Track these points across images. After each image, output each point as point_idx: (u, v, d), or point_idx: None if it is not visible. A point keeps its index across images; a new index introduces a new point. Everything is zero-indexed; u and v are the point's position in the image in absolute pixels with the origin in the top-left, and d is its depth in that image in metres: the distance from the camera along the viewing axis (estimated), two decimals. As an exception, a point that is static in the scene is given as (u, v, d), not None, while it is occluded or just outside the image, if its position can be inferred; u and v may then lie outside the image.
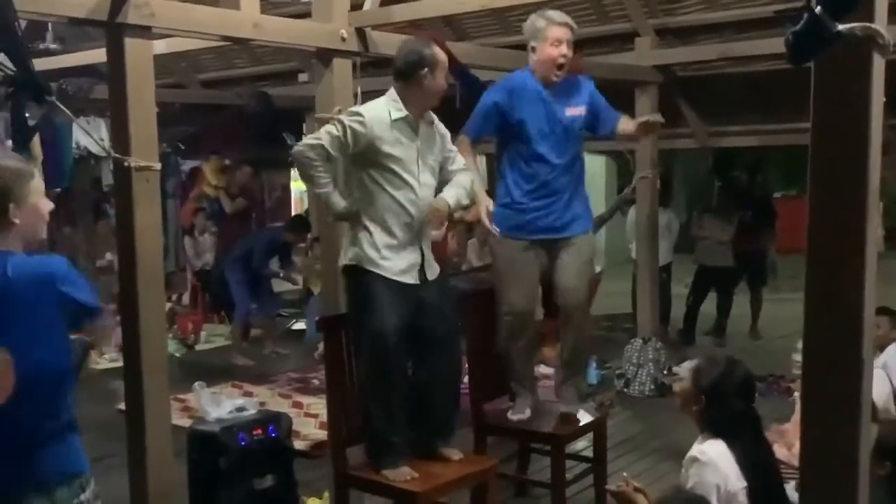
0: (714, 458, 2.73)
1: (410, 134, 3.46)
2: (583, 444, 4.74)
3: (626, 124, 4.08)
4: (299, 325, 8.85)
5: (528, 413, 4.14)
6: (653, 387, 6.48)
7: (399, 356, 3.45)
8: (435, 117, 3.58)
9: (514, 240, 4.03)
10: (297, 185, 12.14)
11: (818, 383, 1.72)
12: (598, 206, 9.21)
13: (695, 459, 2.77)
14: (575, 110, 3.97)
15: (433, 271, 3.57)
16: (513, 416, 4.16)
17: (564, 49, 3.84)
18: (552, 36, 3.84)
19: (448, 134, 3.65)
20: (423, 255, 3.53)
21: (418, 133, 3.49)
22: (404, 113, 3.45)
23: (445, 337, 3.55)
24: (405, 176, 3.44)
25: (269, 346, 8.12)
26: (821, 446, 1.71)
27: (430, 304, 3.50)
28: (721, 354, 3.40)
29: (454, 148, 3.64)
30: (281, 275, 8.11)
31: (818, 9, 1.52)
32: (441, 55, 3.46)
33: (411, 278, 3.47)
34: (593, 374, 6.52)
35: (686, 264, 9.08)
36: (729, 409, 2.83)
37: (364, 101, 4.26)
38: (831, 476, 1.70)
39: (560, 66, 3.87)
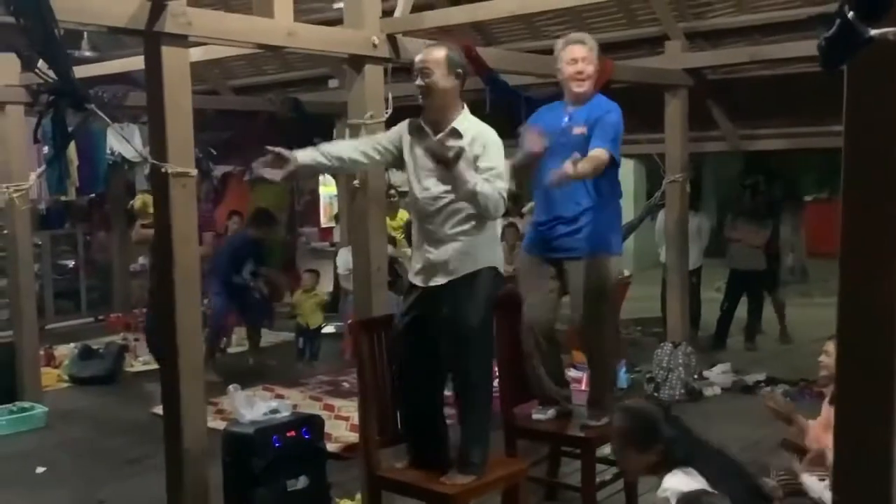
0: (675, 485, 2.71)
1: (418, 140, 3.50)
2: (613, 448, 4.74)
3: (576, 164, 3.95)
4: (328, 329, 8.90)
5: (550, 413, 4.18)
6: (683, 391, 6.46)
7: (406, 356, 3.54)
8: (463, 125, 3.42)
9: (531, 254, 4.21)
10: (326, 190, 12.22)
11: (851, 386, 1.72)
12: (628, 210, 9.21)
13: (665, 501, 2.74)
14: (579, 129, 4.01)
15: (439, 277, 3.45)
16: (536, 416, 4.21)
17: (580, 66, 4.01)
18: (567, 56, 4.04)
19: (479, 139, 3.43)
20: (428, 260, 3.49)
21: (424, 139, 3.46)
22: (418, 121, 3.53)
23: (445, 350, 3.48)
24: (410, 180, 3.55)
25: (253, 355, 7.91)
26: (854, 448, 1.71)
27: (431, 311, 3.47)
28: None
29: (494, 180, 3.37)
30: (251, 284, 7.67)
31: (851, 14, 1.53)
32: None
33: (420, 281, 3.53)
34: (623, 378, 6.50)
35: (717, 268, 9.04)
36: (669, 440, 2.82)
37: (395, 106, 4.31)
38: (865, 478, 1.70)
39: (579, 81, 4.00)
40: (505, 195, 3.33)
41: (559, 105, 4.18)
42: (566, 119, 4.07)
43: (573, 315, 4.17)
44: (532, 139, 3.69)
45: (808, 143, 7.45)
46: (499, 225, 3.60)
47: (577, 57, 4.01)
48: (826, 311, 1.69)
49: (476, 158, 3.33)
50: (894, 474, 1.68)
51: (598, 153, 3.87)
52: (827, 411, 3.61)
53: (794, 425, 3.66)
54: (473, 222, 3.40)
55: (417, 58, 3.46)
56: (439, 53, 3.40)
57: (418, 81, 3.41)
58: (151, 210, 5.67)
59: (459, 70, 3.42)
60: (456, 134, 3.36)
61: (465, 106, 3.48)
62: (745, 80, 7.12)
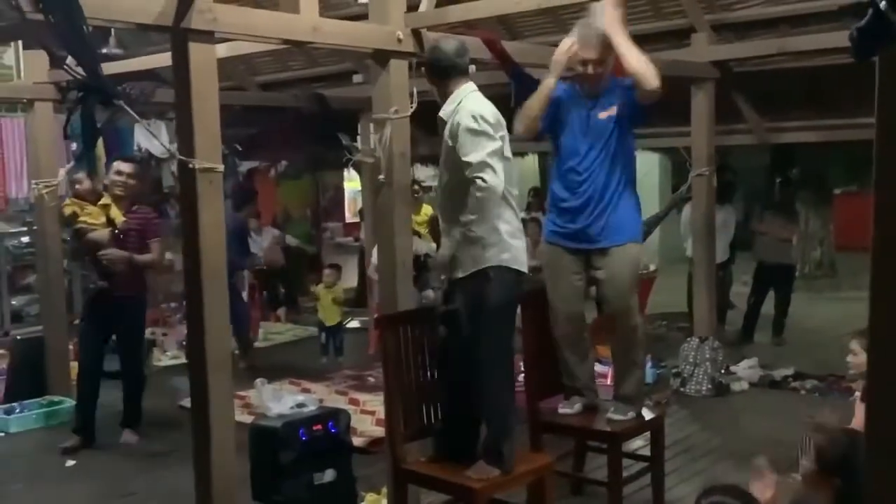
0: None
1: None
2: (639, 443, 4.73)
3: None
4: (353, 324, 8.93)
5: (577, 408, 4.18)
6: (710, 386, 6.43)
7: (441, 347, 3.64)
8: (449, 119, 3.52)
9: (554, 245, 4.20)
10: (350, 185, 12.26)
11: (883, 383, 1.70)
12: (652, 204, 9.17)
13: None
14: (606, 113, 4.03)
15: (460, 270, 3.51)
16: (562, 410, 4.22)
17: (590, 68, 4.04)
18: (578, 56, 4.06)
19: (453, 131, 3.49)
20: (450, 252, 3.55)
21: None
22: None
23: (450, 346, 3.59)
24: None
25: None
26: (885, 451, 1.69)
27: (452, 306, 3.56)
28: (834, 426, 3.22)
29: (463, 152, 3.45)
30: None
31: (883, 4, 1.51)
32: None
33: (445, 272, 3.65)
34: (650, 373, 6.47)
35: (744, 262, 8.97)
36: (851, 482, 2.61)
37: (420, 101, 4.32)
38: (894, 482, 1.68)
39: (584, 65, 4.05)
40: (487, 179, 3.31)
41: (573, 95, 4.18)
42: (588, 106, 4.10)
43: (606, 308, 4.16)
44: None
45: (837, 136, 7.36)
46: (508, 222, 3.53)
47: (588, 59, 4.03)
48: (855, 305, 1.68)
49: (454, 148, 3.43)
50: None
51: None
52: (860, 410, 3.56)
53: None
54: (473, 216, 3.39)
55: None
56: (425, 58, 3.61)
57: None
58: (84, 218, 5.44)
59: (424, 67, 3.62)
60: (441, 122, 3.54)
61: (462, 85, 3.55)
62: (773, 72, 7.04)
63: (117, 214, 5.46)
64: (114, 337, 5.74)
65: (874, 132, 1.65)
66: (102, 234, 5.44)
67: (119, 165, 5.62)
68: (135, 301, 5.65)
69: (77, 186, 5.73)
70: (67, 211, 5.52)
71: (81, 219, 5.48)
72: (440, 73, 3.60)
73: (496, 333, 3.45)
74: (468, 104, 3.47)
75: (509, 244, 3.47)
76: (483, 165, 3.32)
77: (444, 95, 3.59)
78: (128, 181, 5.54)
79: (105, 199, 5.48)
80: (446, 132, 3.50)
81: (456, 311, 3.51)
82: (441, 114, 3.55)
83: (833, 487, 2.70)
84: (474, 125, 3.38)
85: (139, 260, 5.53)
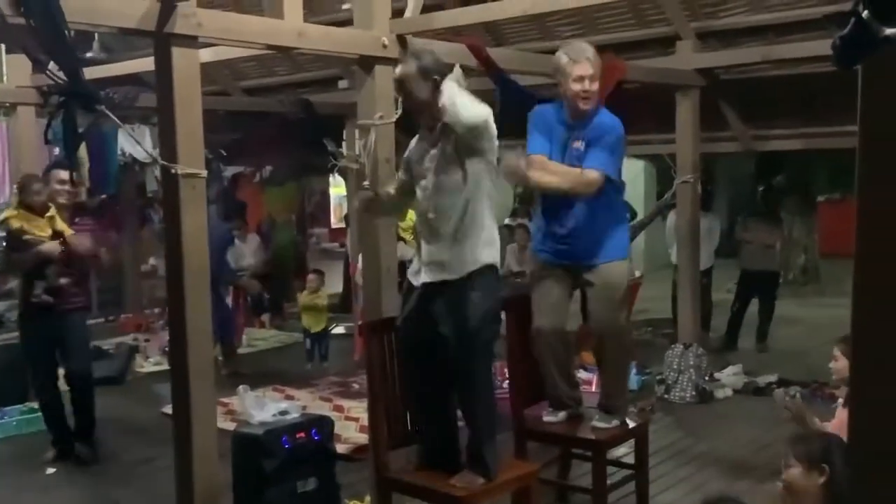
0: None
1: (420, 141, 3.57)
2: (624, 450, 4.72)
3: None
4: (339, 330, 8.91)
5: (561, 416, 4.16)
6: (694, 393, 6.44)
7: (408, 355, 3.55)
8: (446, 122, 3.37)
9: (542, 260, 4.17)
10: (336, 191, 12.25)
11: (866, 391, 1.70)
12: (637, 210, 9.18)
13: None
14: (578, 143, 3.99)
15: (434, 275, 3.45)
16: (546, 418, 4.20)
17: (587, 84, 3.94)
18: (574, 73, 3.94)
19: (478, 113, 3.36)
20: (429, 257, 3.49)
21: (426, 140, 3.53)
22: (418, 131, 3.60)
23: (444, 350, 3.46)
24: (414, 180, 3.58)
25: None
26: (869, 455, 1.69)
27: (425, 312, 3.48)
28: (812, 429, 3.28)
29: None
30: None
31: (865, 13, 1.51)
32: None
33: (423, 278, 3.51)
34: (634, 380, 6.48)
35: (727, 269, 9.01)
36: (838, 473, 2.71)
37: (404, 107, 4.30)
38: (879, 485, 1.68)
39: (585, 99, 3.96)
40: (474, 117, 3.25)
41: (558, 112, 4.08)
42: (565, 131, 4.02)
43: (592, 324, 4.14)
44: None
45: (821, 144, 7.40)
46: (494, 224, 3.54)
47: (584, 75, 3.92)
48: (839, 311, 1.68)
49: (471, 141, 3.34)
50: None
51: (588, 175, 3.90)
52: (841, 414, 3.59)
53: (808, 428, 3.64)
54: (470, 221, 3.38)
55: (394, 75, 3.52)
56: (409, 68, 3.41)
57: (400, 98, 3.49)
58: (31, 231, 5.07)
59: (436, 77, 3.35)
60: (447, 130, 3.35)
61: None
62: (758, 79, 7.08)
63: (64, 227, 5.22)
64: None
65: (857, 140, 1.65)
66: (52, 246, 5.14)
67: (59, 174, 5.34)
68: (79, 311, 5.42)
69: (57, 186, 5.27)
70: (15, 224, 5.14)
71: (28, 231, 5.15)
72: (443, 77, 3.39)
73: (487, 337, 3.44)
74: (476, 106, 3.34)
75: (496, 245, 3.48)
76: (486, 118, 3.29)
77: (430, 102, 3.38)
78: (72, 189, 5.37)
79: (51, 211, 5.18)
80: (451, 137, 3.36)
81: (431, 318, 3.47)
82: (447, 119, 3.30)
83: (823, 474, 2.73)
84: (490, 117, 3.32)
85: (74, 241, 5.22)
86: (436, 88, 3.32)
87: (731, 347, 8.09)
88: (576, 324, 4.37)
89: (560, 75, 3.99)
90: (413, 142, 3.63)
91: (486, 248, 3.44)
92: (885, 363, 1.65)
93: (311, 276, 8.01)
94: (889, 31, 1.53)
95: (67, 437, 5.43)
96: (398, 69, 3.48)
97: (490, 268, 3.43)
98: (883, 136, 1.62)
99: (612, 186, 4.07)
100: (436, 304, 3.45)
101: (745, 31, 6.61)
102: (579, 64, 3.93)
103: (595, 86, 3.97)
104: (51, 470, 5.21)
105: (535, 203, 4.33)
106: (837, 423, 3.56)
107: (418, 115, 3.50)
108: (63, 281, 5.17)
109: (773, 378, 6.83)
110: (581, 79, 3.92)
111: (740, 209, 9.58)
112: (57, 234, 5.17)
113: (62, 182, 5.30)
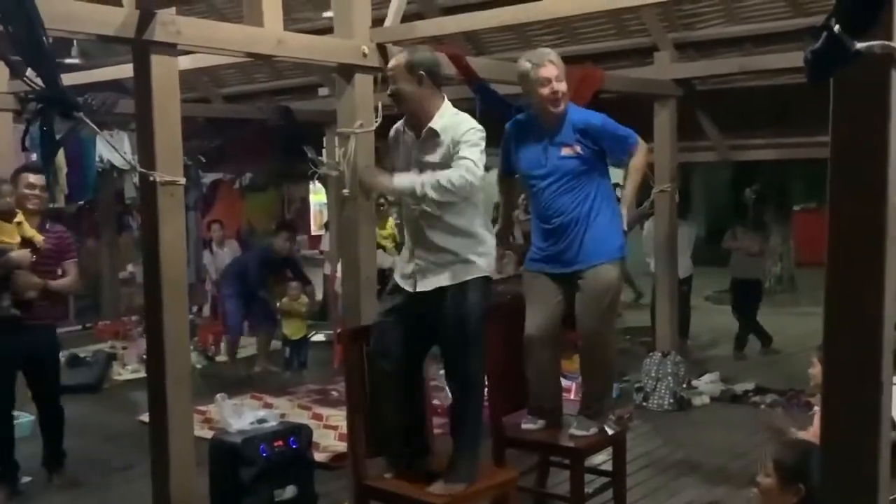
0: None
1: (402, 142, 3.57)
2: (602, 458, 4.74)
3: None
4: (319, 337, 8.88)
5: (540, 423, 4.17)
6: (671, 400, 6.47)
7: (389, 359, 3.50)
8: (438, 124, 3.40)
9: (534, 270, 4.18)
10: (316, 198, 12.21)
11: (838, 398, 1.73)
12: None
13: None
14: (568, 149, 4.00)
15: (427, 283, 3.45)
16: (525, 425, 4.19)
17: (554, 85, 3.92)
18: (540, 76, 3.92)
19: (461, 137, 3.37)
20: (417, 265, 3.48)
21: (405, 141, 3.54)
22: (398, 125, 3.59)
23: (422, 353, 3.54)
24: None
25: (261, 362, 8.02)
26: (841, 461, 1.71)
27: (419, 317, 3.48)
28: (790, 437, 3.27)
29: (462, 152, 3.36)
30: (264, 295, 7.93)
31: (837, 27, 1.54)
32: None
33: (408, 286, 3.50)
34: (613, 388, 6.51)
35: (706, 277, 9.07)
36: (813, 485, 2.67)
37: (384, 115, 4.31)
38: (851, 491, 1.70)
39: (555, 102, 3.95)
40: (468, 176, 3.25)
41: (531, 122, 4.08)
42: (547, 142, 4.02)
43: (577, 326, 4.14)
44: None
45: (797, 154, 7.49)
46: (488, 230, 3.54)
47: (549, 76, 3.90)
48: (814, 320, 1.70)
49: (454, 156, 3.34)
50: (881, 484, 1.69)
51: (637, 163, 4.12)
52: (819, 421, 3.62)
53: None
54: (459, 229, 3.39)
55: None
56: (399, 60, 3.43)
57: (388, 90, 3.47)
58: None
59: (422, 72, 3.37)
60: (434, 135, 3.37)
61: (445, 99, 3.46)
62: (734, 90, 7.15)
63: (34, 233, 4.84)
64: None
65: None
66: (23, 254, 4.76)
67: (29, 177, 4.94)
68: (49, 329, 5.06)
69: (25, 190, 4.87)
70: None
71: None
72: (439, 81, 3.47)
73: (480, 341, 3.45)
74: (466, 118, 3.40)
75: (490, 254, 3.49)
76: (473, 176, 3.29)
77: (430, 107, 3.40)
78: (41, 194, 4.97)
79: (19, 217, 4.79)
80: (442, 143, 3.37)
81: (416, 324, 3.48)
82: (435, 126, 3.38)
83: (797, 495, 2.73)
84: (480, 140, 3.34)
85: (57, 286, 4.97)
86: (420, 84, 3.37)
87: (740, 355, 8.18)
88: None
89: (525, 82, 3.98)
90: (395, 140, 3.59)
91: (478, 257, 3.42)
92: (856, 371, 1.67)
93: (292, 284, 8.00)
94: (860, 45, 1.56)
95: (13, 473, 4.97)
96: (393, 59, 3.50)
97: (482, 279, 3.42)
98: (853, 147, 1.65)
99: (606, 182, 4.11)
100: (429, 311, 3.43)
101: (721, 42, 6.69)
102: (543, 67, 3.92)
103: (562, 86, 3.94)
104: (25, 479, 5.15)
105: (532, 221, 4.33)
106: (816, 431, 3.59)
107: (406, 113, 3.49)
108: (32, 294, 4.81)
109: (750, 386, 6.88)
110: (547, 81, 3.91)
111: (728, 219, 9.65)
112: (26, 242, 4.80)
113: (31, 186, 4.92)
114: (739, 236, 8.31)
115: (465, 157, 3.28)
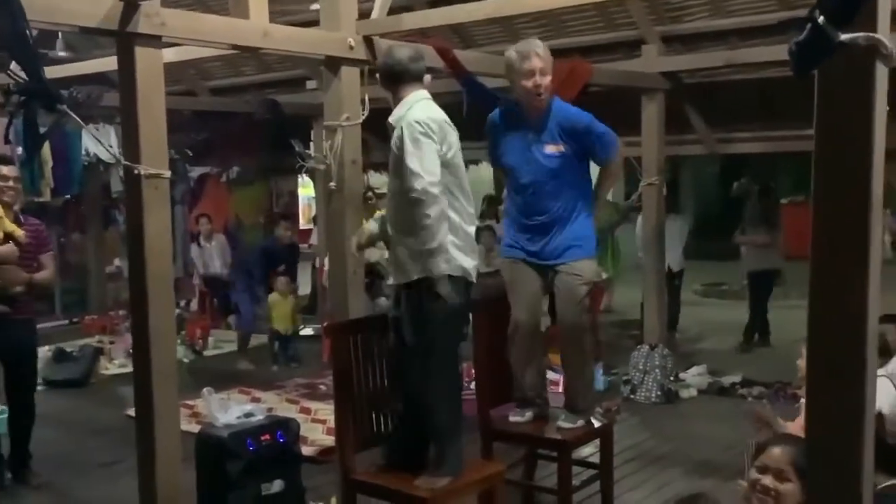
0: None
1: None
2: (589, 451, 4.75)
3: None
4: (307, 331, 8.86)
5: (528, 416, 4.17)
6: (659, 393, 6.49)
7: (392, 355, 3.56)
8: (397, 125, 3.44)
9: (513, 258, 4.17)
10: (304, 192, 12.19)
11: (822, 391, 1.73)
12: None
13: None
14: (553, 147, 3.99)
15: (397, 277, 3.50)
16: (513, 418, 4.20)
17: (538, 78, 3.91)
18: (525, 68, 3.91)
19: (399, 137, 3.42)
20: (394, 257, 3.55)
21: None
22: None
23: (403, 350, 3.54)
24: None
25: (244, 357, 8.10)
26: (825, 454, 1.72)
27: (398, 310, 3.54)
28: (775, 431, 3.30)
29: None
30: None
31: (821, 19, 1.54)
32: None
33: (392, 279, 3.58)
34: (600, 381, 6.52)
35: (695, 271, 9.08)
36: None
37: (371, 107, 4.30)
38: (835, 484, 1.71)
39: (539, 94, 3.94)
40: (425, 189, 3.26)
41: (516, 113, 4.07)
42: (532, 137, 4.01)
43: (557, 320, 4.17)
44: None
45: (784, 147, 7.51)
46: (454, 232, 3.46)
47: (534, 68, 3.89)
48: (802, 312, 1.70)
49: (400, 155, 3.36)
50: (865, 477, 1.69)
51: (615, 166, 4.21)
52: (804, 413, 3.62)
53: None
54: (417, 224, 3.33)
55: None
56: (378, 62, 3.60)
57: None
58: None
59: (377, 72, 3.52)
60: (390, 127, 3.45)
61: (414, 91, 3.48)
62: (722, 83, 7.16)
63: (14, 228, 4.74)
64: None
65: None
66: (9, 249, 4.70)
67: (2, 169, 4.78)
68: (28, 324, 4.99)
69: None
70: None
71: None
72: (392, 78, 3.51)
73: (439, 342, 3.43)
74: (415, 111, 3.40)
75: (453, 254, 3.40)
76: (421, 174, 3.27)
77: (397, 102, 3.52)
78: (15, 185, 4.83)
79: None
80: (394, 138, 3.44)
81: (401, 318, 3.49)
82: (391, 119, 3.47)
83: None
84: (417, 132, 3.33)
85: (39, 280, 4.90)
86: (393, 83, 3.47)
87: (766, 343, 8.27)
88: (544, 325, 4.38)
89: (511, 73, 3.97)
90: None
91: (439, 258, 3.35)
92: (840, 364, 1.67)
93: (280, 279, 7.99)
94: (844, 36, 1.55)
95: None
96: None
97: (443, 277, 3.35)
98: (838, 139, 1.65)
99: (587, 180, 4.11)
100: (401, 306, 3.47)
101: (708, 36, 6.69)
102: (528, 59, 3.90)
103: (547, 79, 3.93)
104: (10, 475, 5.13)
105: (504, 203, 4.33)
106: (801, 422, 3.60)
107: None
108: (19, 289, 4.77)
109: (737, 378, 6.91)
110: (531, 73, 3.89)
111: (717, 213, 9.69)
112: (7, 237, 4.72)
113: (4, 178, 4.76)
114: (748, 231, 8.37)
115: (411, 170, 3.31)
